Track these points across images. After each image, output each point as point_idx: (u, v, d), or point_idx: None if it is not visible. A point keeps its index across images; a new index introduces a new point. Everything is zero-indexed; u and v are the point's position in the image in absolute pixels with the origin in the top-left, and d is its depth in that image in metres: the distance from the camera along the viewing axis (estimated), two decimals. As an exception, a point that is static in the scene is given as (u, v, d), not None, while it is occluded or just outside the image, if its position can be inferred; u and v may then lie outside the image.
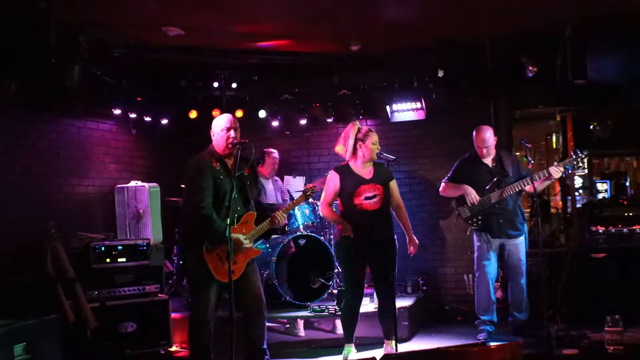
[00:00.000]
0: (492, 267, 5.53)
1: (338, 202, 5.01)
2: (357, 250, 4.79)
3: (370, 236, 4.77)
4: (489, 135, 5.54)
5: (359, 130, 4.90)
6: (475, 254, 5.63)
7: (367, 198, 4.81)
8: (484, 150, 5.55)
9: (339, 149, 5.01)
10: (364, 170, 4.93)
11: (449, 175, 5.70)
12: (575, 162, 5.32)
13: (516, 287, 5.62)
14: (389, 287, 4.81)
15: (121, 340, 5.17)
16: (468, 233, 5.69)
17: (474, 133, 5.63)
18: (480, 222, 5.48)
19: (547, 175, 5.31)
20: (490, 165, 5.57)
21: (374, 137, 4.90)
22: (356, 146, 4.87)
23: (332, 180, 4.93)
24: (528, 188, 5.37)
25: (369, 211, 4.81)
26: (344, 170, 4.92)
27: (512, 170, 5.49)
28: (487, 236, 5.51)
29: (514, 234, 5.51)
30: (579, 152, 5.31)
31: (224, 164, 4.36)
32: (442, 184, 5.71)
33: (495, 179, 5.48)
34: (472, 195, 5.44)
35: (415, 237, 5.02)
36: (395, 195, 5.05)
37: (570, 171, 5.59)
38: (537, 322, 5.21)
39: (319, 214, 6.62)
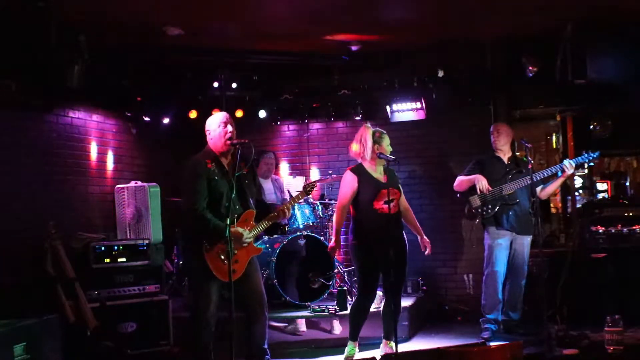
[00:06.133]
0: (501, 266, 5.57)
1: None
2: (376, 254, 4.78)
3: (388, 240, 4.76)
4: (503, 128, 5.79)
5: (374, 132, 4.92)
6: (486, 252, 5.67)
7: (386, 202, 4.80)
8: (496, 142, 5.70)
9: (355, 148, 4.98)
10: (378, 174, 4.93)
11: (465, 170, 5.80)
12: (586, 161, 5.47)
13: (516, 287, 5.67)
14: (398, 288, 4.91)
15: (121, 340, 5.16)
16: (477, 223, 5.74)
17: (492, 127, 5.87)
18: (489, 211, 5.56)
19: (559, 169, 5.45)
20: (506, 162, 5.72)
21: (388, 138, 4.97)
22: (374, 148, 4.89)
23: (350, 182, 4.88)
24: (539, 190, 5.51)
25: (388, 215, 4.80)
26: (362, 172, 4.90)
27: (527, 172, 5.51)
28: (497, 232, 5.55)
29: (523, 231, 5.58)
30: (590, 152, 5.41)
31: (219, 164, 4.34)
32: (457, 179, 5.79)
33: (508, 172, 5.62)
34: (483, 183, 5.53)
35: (426, 237, 5.07)
36: (403, 199, 5.08)
37: (580, 168, 5.74)
38: (537, 322, 5.21)
39: (319, 214, 6.63)
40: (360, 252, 4.87)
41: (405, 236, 4.98)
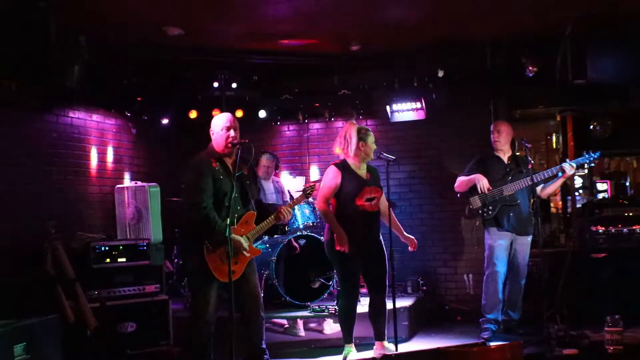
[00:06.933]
0: (502, 266, 5.59)
1: (331, 200, 4.93)
2: (354, 250, 4.77)
3: (367, 237, 4.81)
4: (504, 127, 5.77)
5: (359, 129, 4.91)
6: (486, 253, 5.68)
7: (368, 200, 4.81)
8: (496, 142, 5.71)
9: (337, 149, 5.00)
10: (362, 171, 4.94)
11: (464, 170, 5.80)
12: (587, 162, 5.49)
13: (516, 286, 5.69)
14: (381, 285, 4.89)
15: (121, 340, 5.16)
16: (477, 224, 5.75)
17: (492, 126, 5.86)
18: (490, 213, 5.57)
19: (560, 170, 5.47)
20: (506, 162, 5.73)
21: (373, 136, 4.96)
22: (358, 145, 4.88)
23: (334, 176, 4.86)
24: (539, 190, 5.52)
25: (369, 212, 4.83)
26: (346, 168, 4.89)
27: (527, 171, 5.52)
28: (498, 233, 5.56)
29: (523, 232, 5.60)
30: (591, 153, 5.41)
31: (223, 164, 4.37)
32: (457, 179, 5.80)
33: (509, 173, 5.63)
34: (483, 182, 5.54)
35: (409, 235, 5.06)
36: (384, 199, 5.05)
37: (580, 168, 5.75)
38: (537, 322, 5.21)
39: (319, 213, 6.62)
40: (338, 250, 4.79)
41: (381, 237, 4.96)
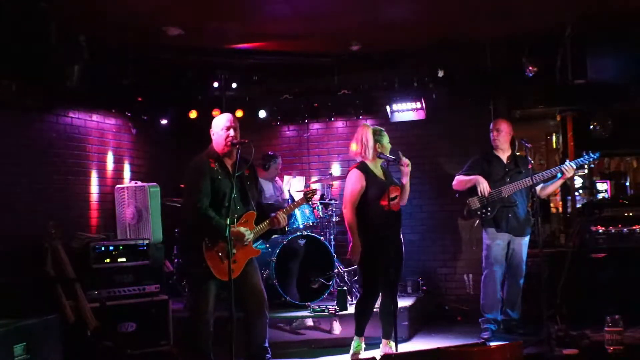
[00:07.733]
0: (500, 266, 5.59)
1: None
2: (379, 251, 4.77)
3: (392, 236, 4.80)
4: (503, 126, 5.73)
5: (374, 131, 4.92)
6: (484, 253, 5.67)
7: (392, 199, 4.81)
8: (496, 141, 5.68)
9: (355, 148, 4.98)
10: (379, 171, 4.96)
11: (463, 169, 5.77)
12: (587, 163, 5.45)
13: (514, 286, 5.68)
14: (394, 285, 4.89)
15: (121, 340, 5.16)
16: (476, 225, 5.74)
17: (491, 124, 5.81)
18: (489, 214, 5.56)
19: (559, 171, 5.43)
20: (505, 162, 5.69)
21: (387, 136, 4.98)
22: (375, 147, 4.89)
23: (358, 180, 4.84)
24: (539, 189, 5.48)
25: (394, 212, 4.82)
26: (367, 170, 4.89)
27: (526, 171, 5.51)
28: (496, 234, 5.56)
29: (521, 232, 5.59)
30: (591, 153, 5.39)
31: (222, 164, 4.37)
32: (456, 178, 5.77)
33: (508, 173, 5.60)
34: (484, 185, 5.51)
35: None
36: None
37: (580, 168, 5.73)
38: (537, 322, 5.21)
39: (319, 214, 6.63)
40: (365, 249, 4.81)
41: (402, 237, 4.98)
